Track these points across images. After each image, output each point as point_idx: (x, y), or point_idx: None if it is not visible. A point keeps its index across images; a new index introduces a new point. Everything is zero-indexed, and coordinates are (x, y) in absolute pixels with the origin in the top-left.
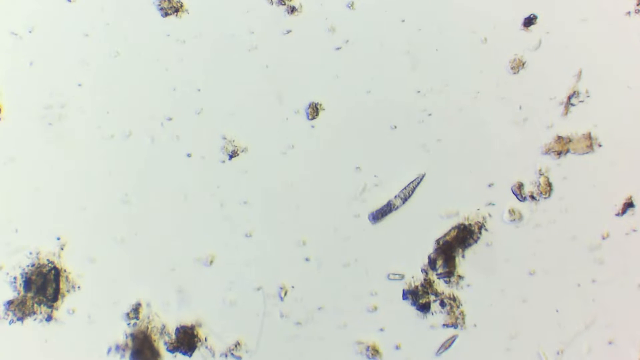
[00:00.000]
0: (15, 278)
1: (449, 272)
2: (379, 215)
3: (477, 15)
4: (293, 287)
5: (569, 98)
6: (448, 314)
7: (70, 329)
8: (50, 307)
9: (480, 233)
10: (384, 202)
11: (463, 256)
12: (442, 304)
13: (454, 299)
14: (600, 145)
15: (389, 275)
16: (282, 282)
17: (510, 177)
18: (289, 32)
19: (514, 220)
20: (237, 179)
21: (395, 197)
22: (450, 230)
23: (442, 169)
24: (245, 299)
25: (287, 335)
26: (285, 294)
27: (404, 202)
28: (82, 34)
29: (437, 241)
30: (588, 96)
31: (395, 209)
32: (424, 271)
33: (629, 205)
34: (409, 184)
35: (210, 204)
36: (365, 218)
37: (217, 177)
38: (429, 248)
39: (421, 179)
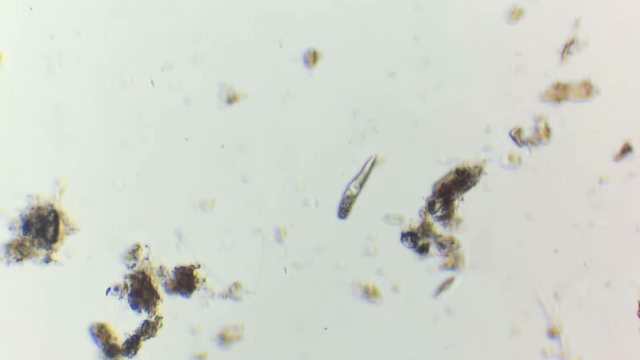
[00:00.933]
0: (14, 220)
1: (447, 215)
2: (343, 210)
3: None
4: (292, 225)
5: (567, 46)
6: (446, 256)
7: (69, 271)
8: (49, 249)
9: (478, 177)
10: (342, 196)
11: (462, 199)
12: (441, 246)
13: (452, 241)
14: (598, 92)
15: (387, 218)
16: (280, 225)
17: (509, 122)
18: None
19: (513, 165)
20: (235, 125)
21: (352, 186)
22: (448, 174)
23: (440, 115)
24: (244, 241)
25: (286, 277)
26: (285, 236)
27: (360, 188)
28: None
29: (436, 184)
30: (586, 43)
31: (356, 197)
32: (423, 214)
33: (626, 150)
34: (361, 170)
35: (209, 148)
36: (363, 162)
37: (215, 123)
38: (428, 191)
39: (373, 163)
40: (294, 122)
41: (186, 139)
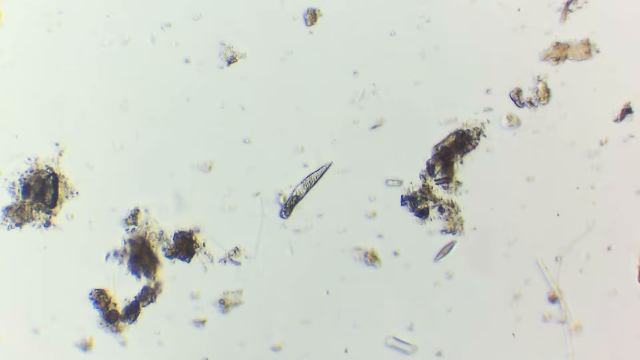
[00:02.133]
0: (13, 184)
1: (447, 178)
2: (286, 210)
3: None
4: (290, 186)
5: (567, 4)
6: (446, 220)
7: (69, 235)
8: (49, 213)
9: (478, 139)
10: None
11: (461, 162)
12: (441, 210)
13: (452, 204)
14: (598, 52)
15: (387, 181)
16: (280, 188)
17: (509, 83)
18: None
19: (512, 126)
20: (235, 85)
21: (300, 187)
22: (448, 136)
23: (440, 76)
24: (244, 204)
25: (286, 242)
26: (284, 200)
27: (308, 190)
28: None
29: (436, 147)
30: (586, 2)
31: (301, 198)
32: (423, 177)
33: (627, 111)
34: (312, 173)
35: (208, 110)
36: (364, 124)
37: (215, 83)
38: (427, 154)
39: (327, 168)
40: (294, 82)
41: (187, 99)
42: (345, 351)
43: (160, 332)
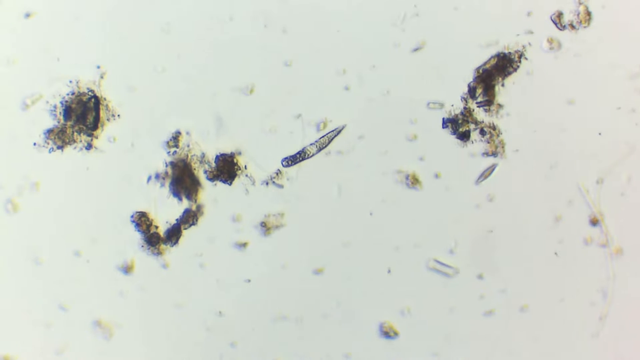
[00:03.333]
0: (55, 107)
1: (489, 101)
2: (290, 161)
3: None
4: (331, 121)
5: None
6: (488, 142)
7: (111, 158)
8: (90, 135)
9: (519, 62)
10: (299, 148)
11: (503, 85)
12: (482, 133)
13: (493, 127)
14: None
15: (428, 104)
16: (322, 114)
17: (550, 6)
18: None
19: (553, 49)
20: (277, 8)
21: (311, 144)
22: (489, 59)
23: None
24: (285, 127)
25: (328, 165)
26: (324, 126)
27: (319, 151)
28: None
29: (477, 70)
30: None
31: (309, 157)
32: (464, 100)
33: None
34: (326, 134)
35: (250, 32)
36: (405, 47)
37: (257, 5)
38: (469, 77)
39: (340, 130)
40: (336, 5)
41: (230, 19)
42: (389, 271)
43: (202, 254)
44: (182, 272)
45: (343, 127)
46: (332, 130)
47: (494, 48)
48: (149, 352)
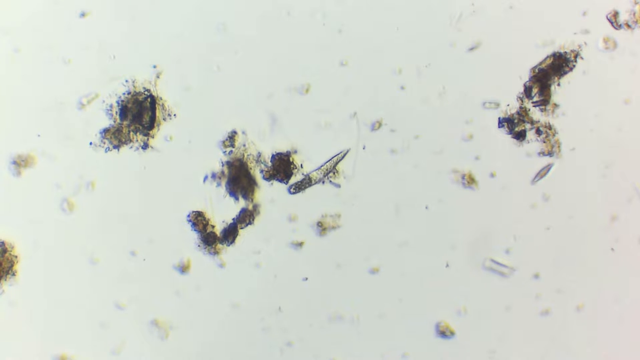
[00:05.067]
0: (111, 106)
1: (545, 100)
2: (297, 187)
3: None
4: (386, 124)
5: None
6: (544, 142)
7: (167, 157)
8: (147, 135)
9: (575, 61)
10: (304, 175)
11: (558, 84)
12: (538, 132)
13: (549, 127)
14: None
15: (484, 104)
16: (377, 114)
17: (605, 5)
18: None
19: (609, 48)
20: (334, 7)
21: (316, 170)
22: (545, 59)
23: None
24: (341, 126)
25: (384, 164)
26: (379, 126)
27: (325, 176)
28: None
29: (533, 69)
30: None
31: (315, 183)
32: (520, 99)
33: None
34: (330, 158)
35: (307, 31)
36: (461, 47)
37: (314, 4)
38: (525, 76)
39: (345, 155)
40: (392, 3)
41: (288, 13)
42: (447, 265)
43: (260, 251)
44: (238, 272)
45: (348, 151)
46: (337, 155)
47: (549, 48)
48: (205, 352)
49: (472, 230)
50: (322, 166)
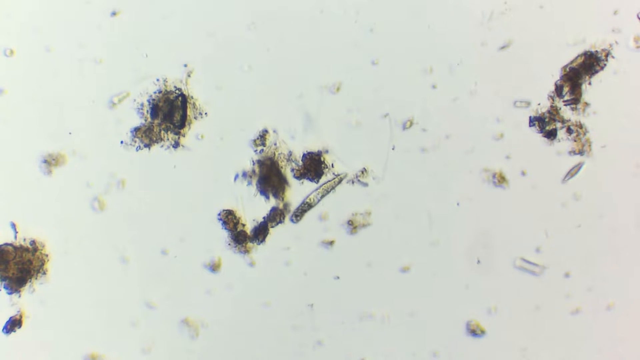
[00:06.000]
0: (142, 105)
1: (576, 99)
2: (297, 215)
3: None
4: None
5: None
6: (575, 141)
7: (198, 156)
8: (178, 133)
9: (606, 60)
10: (302, 200)
11: (589, 83)
12: (569, 131)
13: (580, 125)
14: None
15: (515, 102)
16: (408, 113)
17: (636, 4)
18: None
19: None
20: (365, 6)
21: (314, 192)
22: (576, 57)
23: None
24: (372, 125)
25: (415, 163)
26: (410, 124)
27: (321, 199)
28: None
29: (564, 68)
30: None
31: (314, 206)
32: (551, 98)
33: None
34: (326, 182)
35: (338, 30)
36: (492, 46)
37: (346, 2)
38: (556, 75)
39: (340, 180)
40: (422, 2)
41: (321, 11)
42: (478, 262)
43: (289, 247)
44: (268, 270)
45: (345, 175)
46: (333, 178)
47: (580, 46)
48: (235, 351)
49: (503, 229)
50: (319, 187)
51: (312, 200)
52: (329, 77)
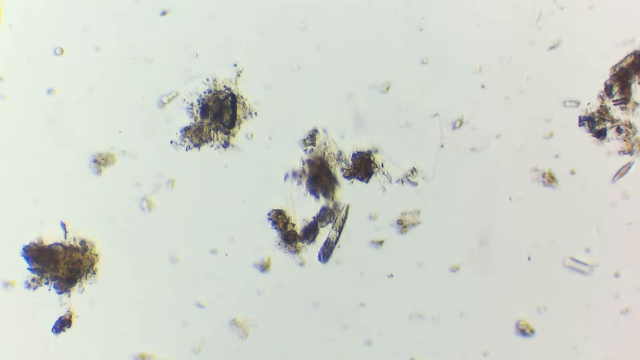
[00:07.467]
0: (192, 104)
1: (625, 99)
2: (325, 254)
3: None
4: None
5: None
6: (624, 140)
7: (247, 156)
8: (227, 133)
9: None
10: (324, 240)
11: (639, 83)
12: (619, 131)
13: (630, 125)
14: None
15: (564, 102)
16: (458, 113)
17: None
18: None
19: None
20: (415, 3)
21: (332, 230)
22: (626, 57)
23: None
24: (421, 125)
25: (464, 163)
26: (460, 124)
27: (339, 233)
28: None
29: (613, 68)
30: None
31: (336, 242)
32: (600, 98)
33: None
34: (337, 217)
35: (388, 29)
36: (541, 45)
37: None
38: (605, 75)
39: (347, 211)
40: (470, 1)
41: (370, 8)
42: (529, 259)
43: (339, 247)
44: (318, 270)
45: (348, 207)
46: (340, 212)
47: (630, 46)
48: (285, 351)
49: (552, 229)
50: (334, 225)
51: (332, 238)
52: (379, 77)
